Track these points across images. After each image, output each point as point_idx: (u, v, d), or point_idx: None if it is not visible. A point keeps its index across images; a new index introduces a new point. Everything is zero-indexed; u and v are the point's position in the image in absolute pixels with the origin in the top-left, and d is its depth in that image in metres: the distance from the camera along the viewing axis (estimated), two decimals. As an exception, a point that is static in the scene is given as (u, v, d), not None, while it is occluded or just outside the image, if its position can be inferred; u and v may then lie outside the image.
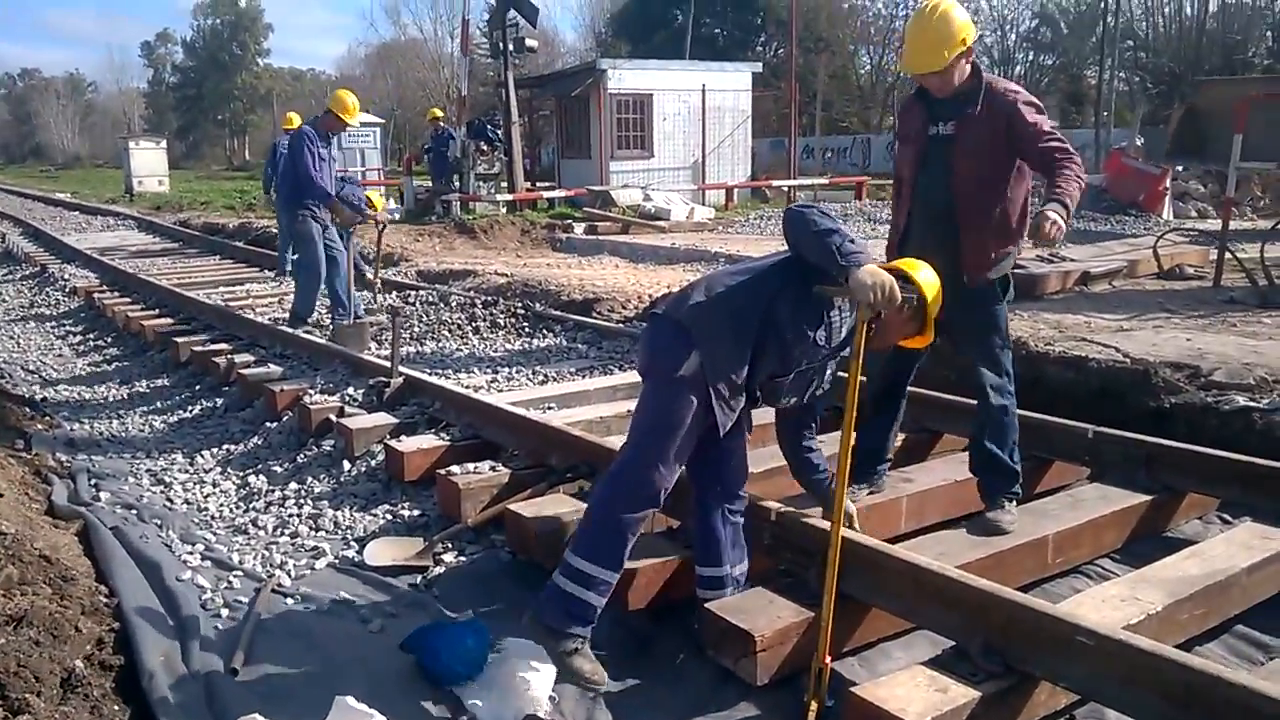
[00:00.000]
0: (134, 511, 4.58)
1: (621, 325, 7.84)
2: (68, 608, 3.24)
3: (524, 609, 3.49)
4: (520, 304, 8.54)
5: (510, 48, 19.23)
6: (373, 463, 4.91)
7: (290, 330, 7.63)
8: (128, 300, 10.18)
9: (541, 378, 6.52)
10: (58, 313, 10.81)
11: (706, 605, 3.11)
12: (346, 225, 7.96)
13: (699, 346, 2.92)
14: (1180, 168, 15.57)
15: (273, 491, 4.81)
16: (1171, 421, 4.85)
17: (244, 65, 70.96)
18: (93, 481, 4.99)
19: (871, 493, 3.91)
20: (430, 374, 6.14)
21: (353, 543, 4.17)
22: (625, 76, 21.20)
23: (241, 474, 5.11)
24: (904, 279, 3.02)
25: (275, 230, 12.34)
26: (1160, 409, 4.98)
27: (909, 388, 4.00)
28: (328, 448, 5.17)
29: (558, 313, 8.29)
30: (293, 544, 4.20)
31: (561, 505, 3.91)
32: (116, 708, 2.87)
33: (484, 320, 8.22)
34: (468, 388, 5.87)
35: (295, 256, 8.63)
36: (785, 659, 2.96)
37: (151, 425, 6.22)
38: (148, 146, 33.76)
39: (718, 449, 3.11)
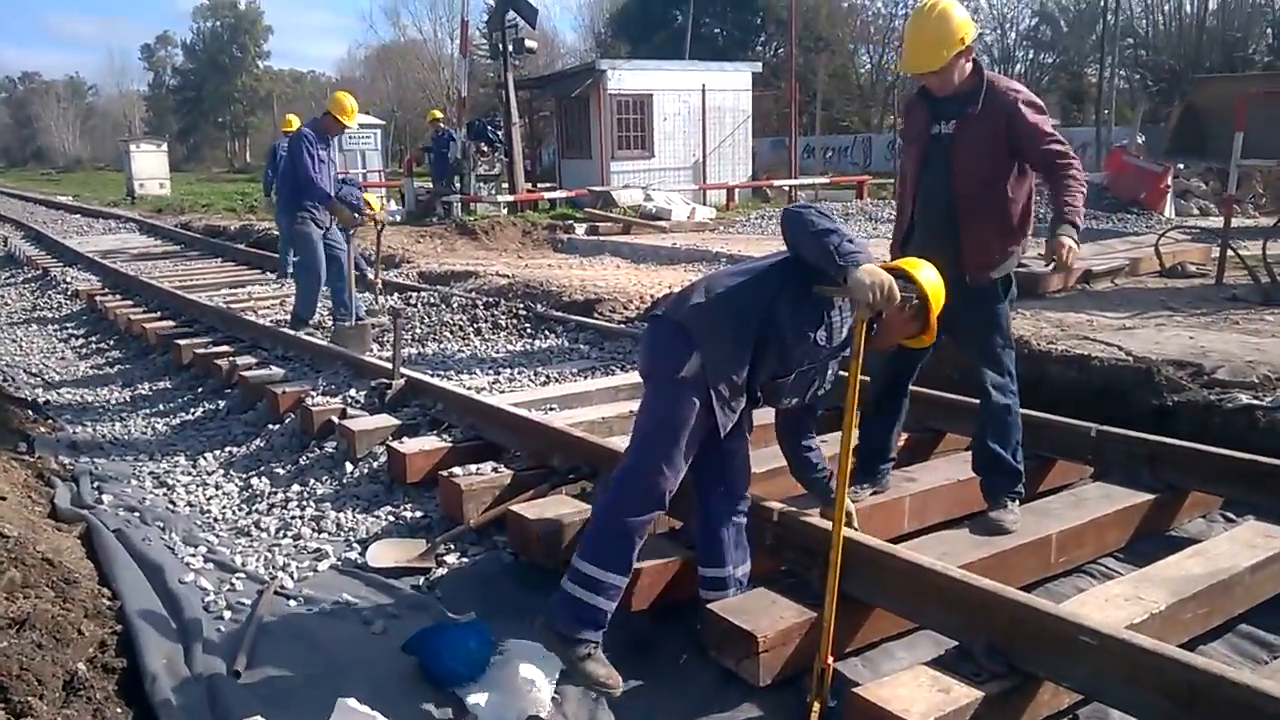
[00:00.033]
0: (136, 514, 4.58)
1: (623, 326, 7.84)
2: (70, 611, 3.25)
3: (527, 611, 3.52)
4: (522, 305, 8.54)
5: (510, 49, 19.23)
6: (375, 464, 4.91)
7: (292, 332, 7.64)
8: (130, 303, 10.19)
9: (543, 379, 6.52)
10: (60, 316, 10.82)
11: (709, 606, 3.11)
12: (345, 227, 7.95)
13: (699, 348, 2.92)
14: (1181, 165, 15.54)
15: (275, 493, 4.81)
16: (1174, 420, 4.84)
17: (244, 67, 71.00)
18: (95, 484, 5.00)
19: (875, 492, 3.91)
20: (432, 375, 6.15)
21: (355, 544, 4.17)
22: (625, 77, 21.20)
23: (244, 476, 5.11)
24: (906, 278, 3.01)
25: (276, 232, 12.33)
26: (1163, 407, 4.98)
27: (911, 387, 4.00)
28: (330, 449, 5.17)
29: (559, 314, 8.29)
30: (295, 546, 4.20)
31: (563, 506, 3.91)
32: (119, 710, 2.87)
33: (485, 321, 8.22)
34: (470, 389, 5.87)
35: (296, 259, 8.62)
36: (788, 660, 2.96)
37: (154, 428, 6.23)
38: (149, 149, 33.78)
39: (720, 450, 3.10)
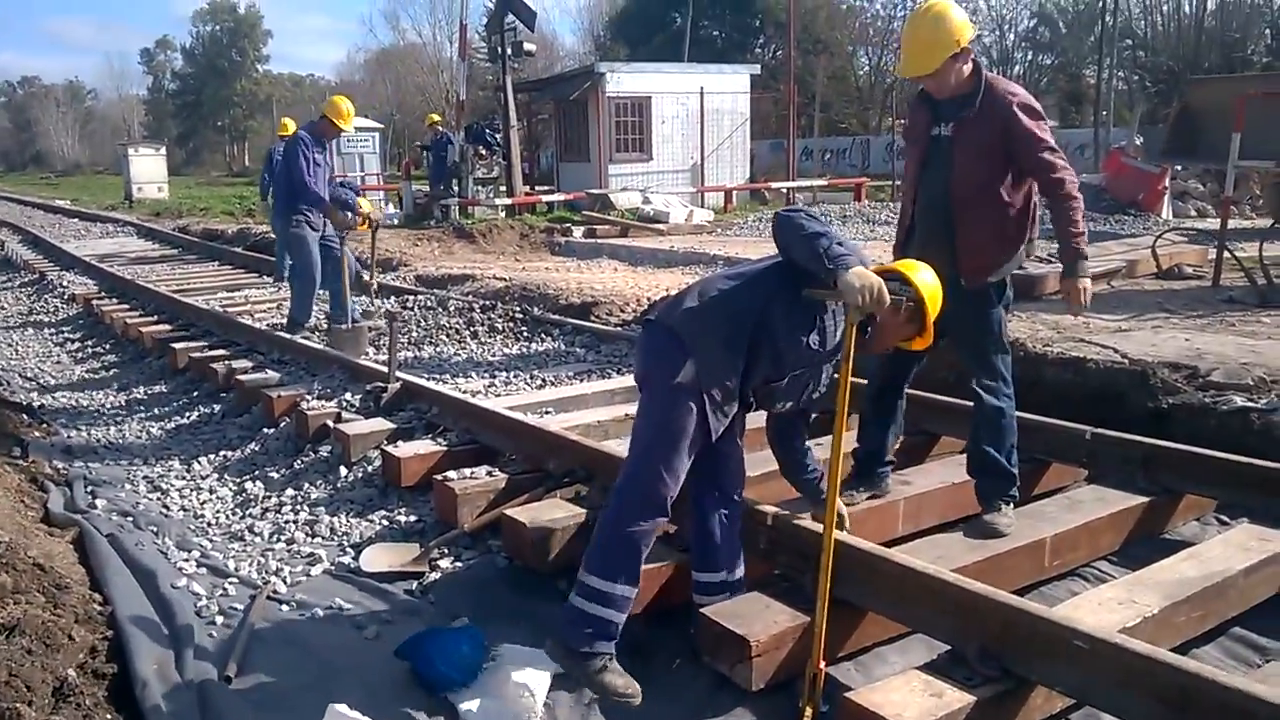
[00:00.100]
0: (130, 519, 4.57)
1: (620, 329, 7.83)
2: (61, 616, 3.24)
3: (521, 616, 3.51)
4: (518, 308, 8.53)
5: (508, 52, 19.25)
6: (369, 468, 4.90)
7: (288, 336, 7.63)
8: (126, 307, 10.19)
9: (539, 382, 6.51)
10: (56, 320, 10.82)
11: (702, 610, 3.10)
12: (339, 229, 7.94)
13: (693, 354, 2.91)
14: (1179, 167, 15.55)
15: (269, 498, 4.80)
16: (1169, 422, 4.83)
17: (243, 71, 71.01)
18: (89, 489, 4.99)
19: (872, 496, 3.90)
20: (428, 379, 6.14)
21: (349, 549, 4.16)
22: (623, 79, 21.21)
23: (238, 480, 5.11)
24: (902, 280, 3.01)
25: (273, 236, 12.33)
26: (1158, 410, 4.96)
27: (907, 390, 3.99)
28: (325, 453, 5.16)
29: (556, 317, 8.29)
30: (289, 550, 4.19)
31: (558, 510, 3.90)
32: (109, 717, 2.86)
33: (482, 325, 8.21)
34: (465, 392, 5.87)
35: (291, 263, 8.61)
36: (781, 664, 2.95)
37: (149, 432, 6.22)
38: (147, 153, 33.79)
39: (713, 453, 3.10)
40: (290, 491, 4.82)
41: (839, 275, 2.74)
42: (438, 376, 6.61)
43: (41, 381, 7.89)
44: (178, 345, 7.80)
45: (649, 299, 8.66)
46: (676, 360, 2.93)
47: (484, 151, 19.75)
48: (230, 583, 3.84)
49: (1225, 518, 4.11)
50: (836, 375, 3.02)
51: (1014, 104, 3.49)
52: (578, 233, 16.82)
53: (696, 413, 2.93)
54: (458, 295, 9.53)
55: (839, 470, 2.83)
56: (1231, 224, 9.71)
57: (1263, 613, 3.29)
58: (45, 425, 6.36)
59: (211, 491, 4.98)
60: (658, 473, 2.92)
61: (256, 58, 72.80)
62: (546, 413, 5.49)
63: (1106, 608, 2.96)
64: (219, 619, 3.55)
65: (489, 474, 4.40)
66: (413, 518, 4.40)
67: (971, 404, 3.79)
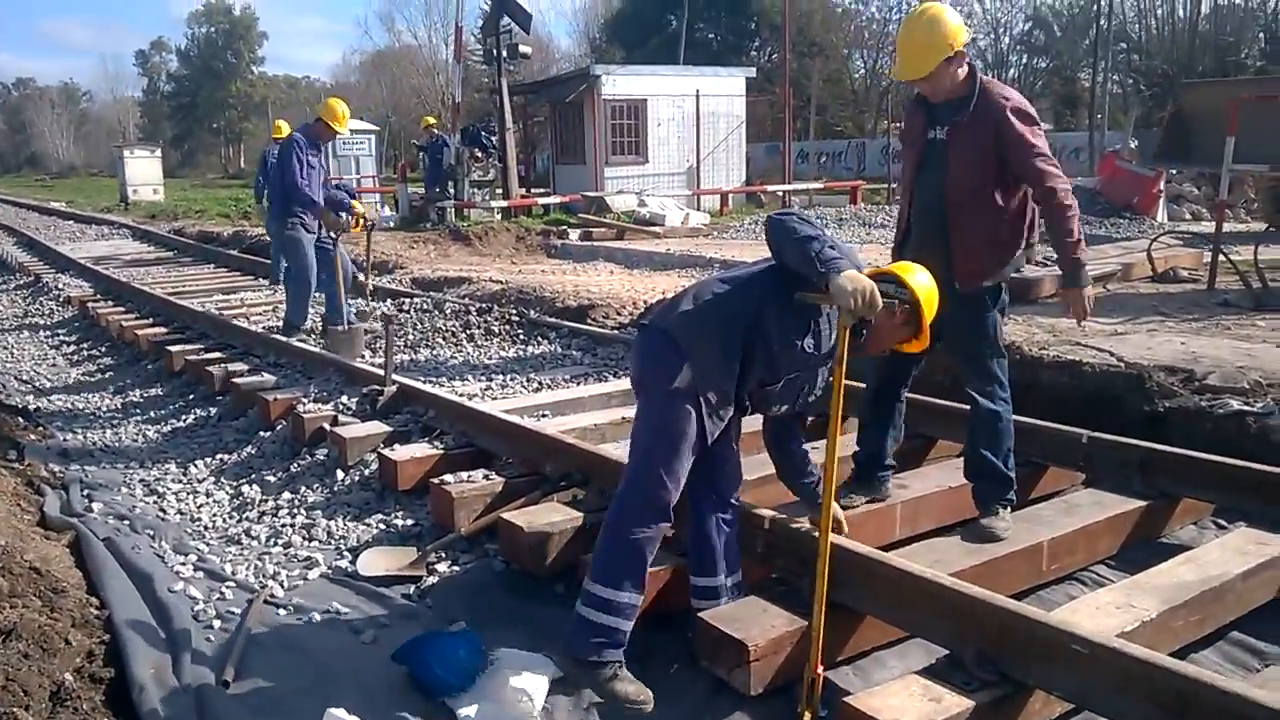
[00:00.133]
0: (127, 522, 4.56)
1: (616, 332, 7.83)
2: (58, 620, 3.23)
3: (518, 620, 3.51)
4: (515, 311, 8.53)
5: (504, 54, 19.27)
6: (366, 472, 4.89)
7: (284, 339, 7.62)
8: (122, 310, 10.16)
9: (536, 385, 6.51)
10: (51, 322, 10.79)
11: (699, 614, 3.10)
12: (331, 231, 7.93)
13: (689, 358, 2.91)
14: (1175, 171, 15.59)
15: (266, 501, 4.79)
16: (1166, 426, 4.84)
17: (238, 73, 71.00)
18: (85, 492, 4.98)
19: (872, 500, 3.90)
20: (424, 382, 6.14)
21: (346, 552, 4.15)
22: (619, 82, 21.22)
23: (235, 484, 5.09)
24: (897, 283, 3.01)
25: (269, 239, 12.32)
26: (1154, 413, 4.97)
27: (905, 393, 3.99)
28: (321, 457, 5.15)
29: (552, 319, 8.28)
30: (286, 554, 4.18)
31: (555, 514, 3.90)
32: (106, 721, 2.85)
33: (478, 327, 8.21)
34: (462, 395, 5.87)
35: (286, 266, 8.61)
36: (779, 669, 2.95)
37: (145, 435, 6.21)
38: (143, 155, 33.76)
39: (710, 457, 3.09)
40: (287, 495, 4.81)
41: (831, 279, 2.74)
42: (434, 379, 6.60)
43: (37, 384, 7.87)
44: (174, 348, 7.78)
45: (645, 302, 8.66)
46: (673, 364, 2.93)
47: (480, 154, 19.76)
48: (227, 586, 3.83)
49: (1223, 522, 4.12)
50: (832, 378, 3.02)
51: (1007, 109, 3.49)
52: (574, 235, 16.82)
53: (694, 416, 2.93)
54: (454, 298, 9.52)
55: (834, 474, 2.83)
56: (1226, 227, 9.73)
57: (1261, 617, 3.29)
58: (41, 428, 6.35)
59: (208, 495, 4.97)
60: (658, 477, 2.92)
61: (252, 59, 72.81)
62: (543, 416, 5.49)
63: (1104, 612, 2.96)
64: (216, 623, 3.54)
65: (486, 477, 4.39)
66: (410, 521, 4.39)
67: (967, 407, 3.80)
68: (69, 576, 3.77)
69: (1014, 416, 3.79)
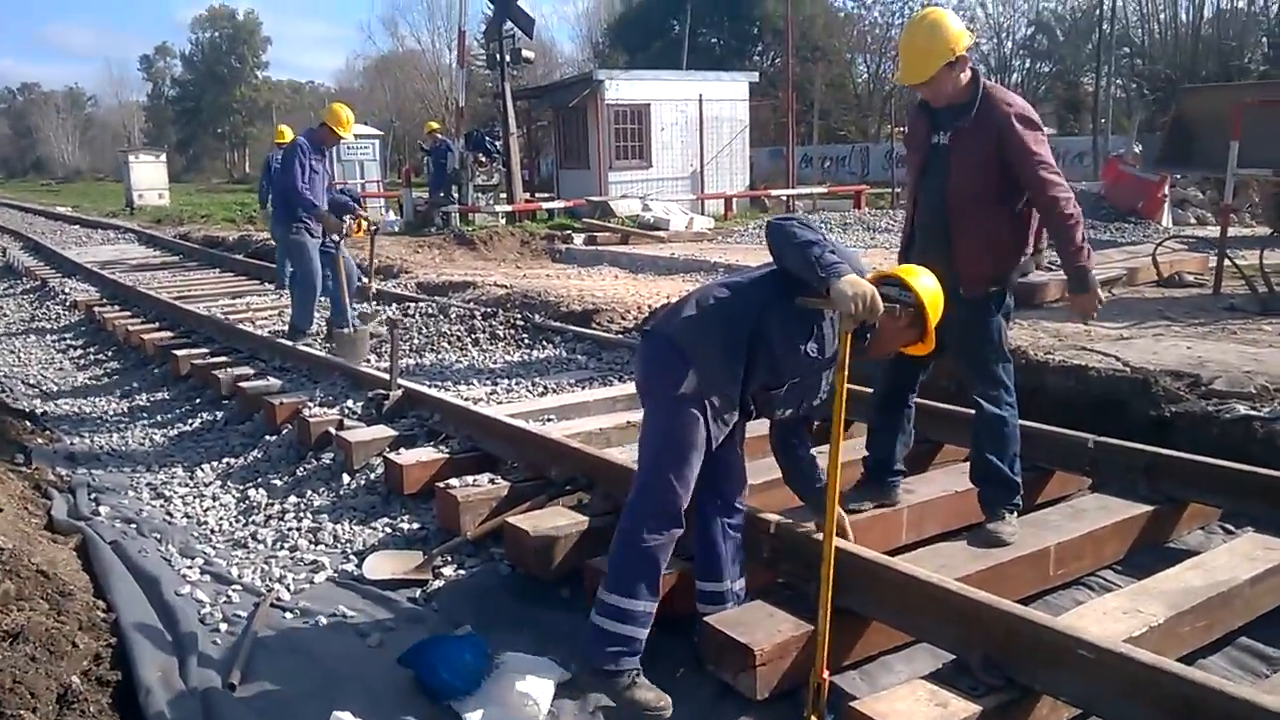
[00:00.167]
0: (133, 525, 4.57)
1: (621, 336, 7.84)
2: (65, 623, 3.24)
3: (524, 624, 3.51)
4: (519, 315, 8.54)
5: (507, 59, 19.29)
6: (372, 476, 4.90)
7: (289, 343, 7.64)
8: (128, 314, 10.19)
9: (541, 389, 6.51)
10: (58, 327, 10.82)
11: (705, 619, 3.10)
12: (332, 234, 7.95)
13: (693, 363, 2.91)
14: (1179, 175, 15.57)
15: (272, 505, 4.80)
16: (1172, 431, 4.83)
17: (242, 78, 71.17)
18: (92, 495, 4.99)
19: (881, 505, 3.89)
20: (429, 386, 6.14)
21: (352, 556, 4.16)
22: (622, 87, 21.25)
23: (241, 487, 5.10)
24: (901, 286, 3.02)
25: (274, 243, 12.35)
26: (1161, 418, 4.97)
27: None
28: (327, 461, 5.16)
29: (557, 324, 8.29)
30: (292, 558, 4.19)
31: (561, 518, 3.90)
32: (113, 725, 2.86)
33: (483, 332, 8.21)
34: (467, 400, 5.87)
35: (291, 270, 8.63)
36: (785, 673, 2.95)
37: (151, 439, 6.22)
38: (148, 160, 33.82)
39: (714, 461, 3.09)
40: (293, 499, 4.82)
41: (832, 284, 2.73)
42: (439, 384, 6.61)
43: (44, 388, 7.89)
44: (180, 352, 7.80)
45: (650, 306, 8.67)
46: (677, 370, 2.93)
47: (484, 159, 19.79)
48: (234, 590, 3.84)
49: (1230, 527, 4.11)
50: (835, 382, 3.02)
51: (1010, 114, 3.49)
52: (578, 240, 16.84)
53: (701, 421, 2.93)
54: (459, 302, 9.53)
55: (837, 479, 2.83)
56: (1232, 232, 9.72)
57: (1269, 622, 3.27)
58: (48, 432, 6.37)
59: (214, 498, 4.98)
60: (668, 483, 2.91)
61: (256, 64, 72.98)
62: (548, 420, 5.49)
63: (1111, 617, 2.95)
64: (223, 626, 3.54)
65: (491, 481, 4.40)
66: (415, 525, 4.40)
67: (973, 413, 3.79)
68: (76, 579, 3.78)
69: (1020, 421, 3.78)
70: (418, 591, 3.81)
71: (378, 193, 23.94)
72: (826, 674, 2.73)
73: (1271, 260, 8.35)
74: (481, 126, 22.14)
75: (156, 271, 14.65)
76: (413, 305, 9.40)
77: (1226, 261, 8.55)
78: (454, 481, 4.37)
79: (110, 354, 9.07)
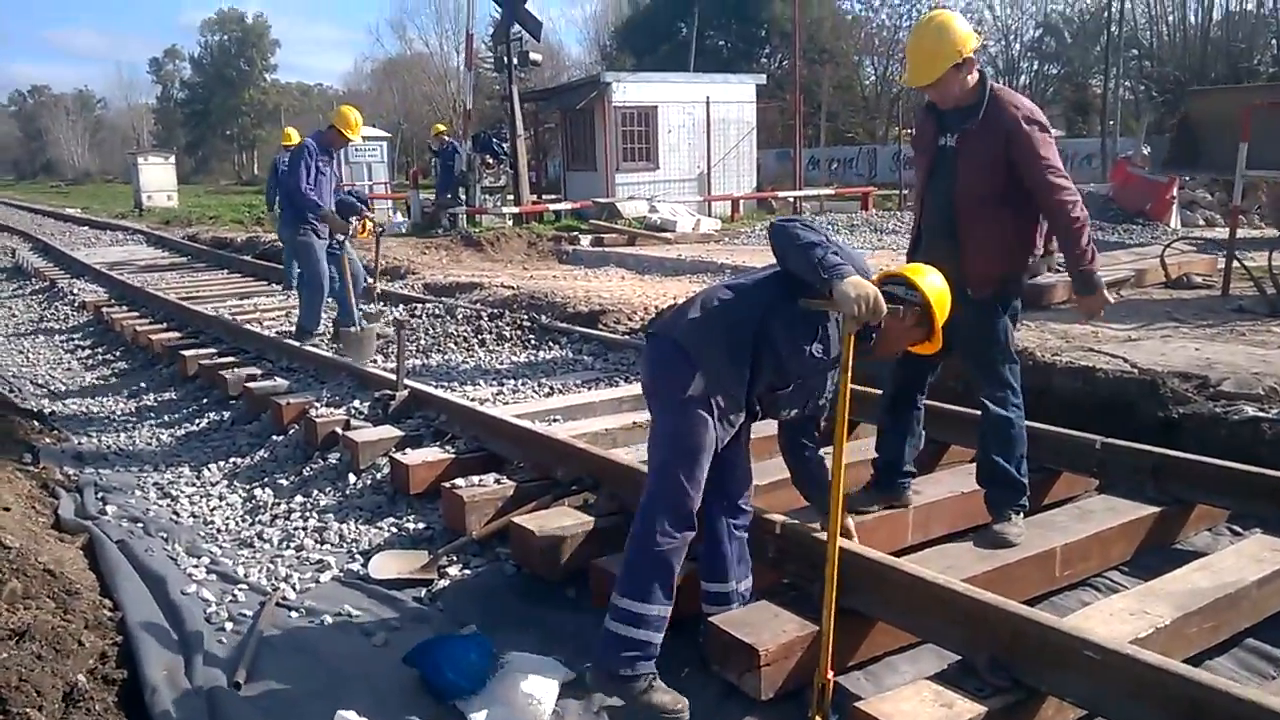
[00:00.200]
0: (140, 525, 4.59)
1: (627, 337, 7.84)
2: (71, 622, 3.25)
3: (529, 623, 3.51)
4: (526, 316, 8.54)
5: (514, 61, 19.30)
6: (378, 475, 4.90)
7: (296, 344, 7.65)
8: (136, 314, 10.22)
9: (547, 390, 6.51)
10: (66, 327, 10.86)
11: (710, 619, 3.09)
12: (337, 234, 7.96)
13: (700, 366, 2.91)
14: (1188, 177, 15.52)
15: (278, 504, 4.81)
16: (1180, 432, 4.81)
17: (251, 81, 71.41)
18: (100, 495, 5.01)
19: (891, 506, 3.89)
20: (436, 387, 6.15)
21: (358, 556, 4.16)
22: (630, 89, 21.26)
23: (248, 487, 5.12)
24: (907, 285, 3.01)
25: (282, 245, 12.38)
26: (1169, 419, 4.95)
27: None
28: (333, 461, 5.17)
29: (564, 325, 8.29)
30: (298, 557, 4.20)
31: (567, 518, 3.90)
32: (119, 723, 2.86)
33: (490, 333, 8.22)
34: (473, 400, 5.88)
35: (299, 271, 8.66)
36: (790, 673, 2.94)
37: (159, 439, 6.24)
38: (156, 162, 33.98)
39: (720, 462, 3.08)
40: (299, 498, 4.83)
41: (834, 285, 2.72)
42: (446, 384, 6.62)
43: (52, 388, 7.92)
44: (187, 353, 7.82)
45: (656, 307, 8.66)
46: (684, 373, 2.92)
47: (491, 160, 19.82)
48: (240, 589, 3.85)
49: (1238, 528, 4.09)
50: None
51: (1019, 117, 3.48)
52: (585, 241, 16.84)
53: (709, 423, 2.92)
54: (466, 303, 9.54)
55: (841, 480, 2.82)
56: (1241, 233, 9.68)
57: (1277, 624, 3.26)
58: (56, 432, 6.38)
59: (221, 498, 4.99)
60: (680, 485, 2.90)
61: (264, 67, 73.23)
62: (554, 420, 5.50)
63: (1118, 618, 2.94)
64: (228, 625, 3.55)
65: (497, 481, 4.40)
66: (421, 525, 4.40)
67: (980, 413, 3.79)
68: (83, 578, 3.79)
69: (1027, 422, 3.77)
70: (423, 591, 3.82)
71: (385, 194, 24.02)
72: (831, 674, 2.72)
73: (1280, 262, 8.30)
74: (489, 128, 22.18)
75: (165, 272, 14.70)
76: (420, 306, 9.41)
77: (1235, 263, 8.52)
78: (460, 481, 4.37)
79: (118, 354, 9.10)
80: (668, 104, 21.48)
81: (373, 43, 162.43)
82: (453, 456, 4.80)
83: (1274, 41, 30.60)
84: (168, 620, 3.52)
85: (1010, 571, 3.41)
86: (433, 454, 4.84)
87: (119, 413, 7.01)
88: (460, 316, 8.73)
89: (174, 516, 4.77)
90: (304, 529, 4.47)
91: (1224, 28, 31.24)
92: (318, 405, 5.85)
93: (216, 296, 11.59)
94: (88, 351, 9.46)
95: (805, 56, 28.64)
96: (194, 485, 5.22)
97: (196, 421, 6.51)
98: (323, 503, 4.75)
